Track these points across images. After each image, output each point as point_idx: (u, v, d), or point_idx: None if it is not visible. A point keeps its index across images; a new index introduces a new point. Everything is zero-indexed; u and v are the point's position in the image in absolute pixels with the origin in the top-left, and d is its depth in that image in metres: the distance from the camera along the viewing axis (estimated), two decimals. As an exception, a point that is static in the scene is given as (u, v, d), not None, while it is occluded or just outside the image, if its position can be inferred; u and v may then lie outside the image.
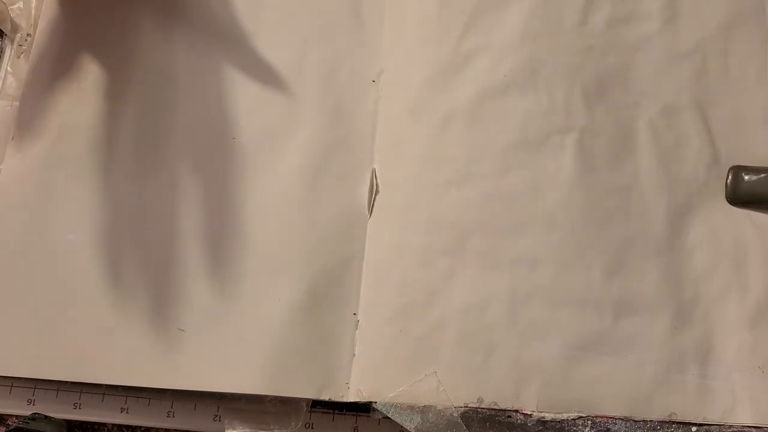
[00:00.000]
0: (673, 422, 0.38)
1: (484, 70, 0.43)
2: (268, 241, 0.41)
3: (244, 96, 0.44)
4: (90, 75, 0.44)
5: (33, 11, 0.45)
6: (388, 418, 0.38)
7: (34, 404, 0.40)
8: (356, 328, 0.40)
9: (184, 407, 0.40)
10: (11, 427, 0.38)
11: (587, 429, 0.38)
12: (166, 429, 0.41)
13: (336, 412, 0.40)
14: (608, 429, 0.38)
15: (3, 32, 0.46)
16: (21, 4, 0.46)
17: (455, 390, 0.38)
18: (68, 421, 0.40)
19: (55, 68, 0.44)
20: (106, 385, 0.40)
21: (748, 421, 0.38)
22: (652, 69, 0.43)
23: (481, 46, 0.43)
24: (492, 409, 0.38)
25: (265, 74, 0.44)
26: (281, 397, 0.39)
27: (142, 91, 0.44)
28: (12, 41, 0.46)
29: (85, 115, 0.43)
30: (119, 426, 0.41)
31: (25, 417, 0.39)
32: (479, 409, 0.38)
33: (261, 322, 0.40)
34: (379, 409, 0.38)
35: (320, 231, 0.41)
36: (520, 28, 0.44)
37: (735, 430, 0.38)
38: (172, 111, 0.43)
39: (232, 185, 0.42)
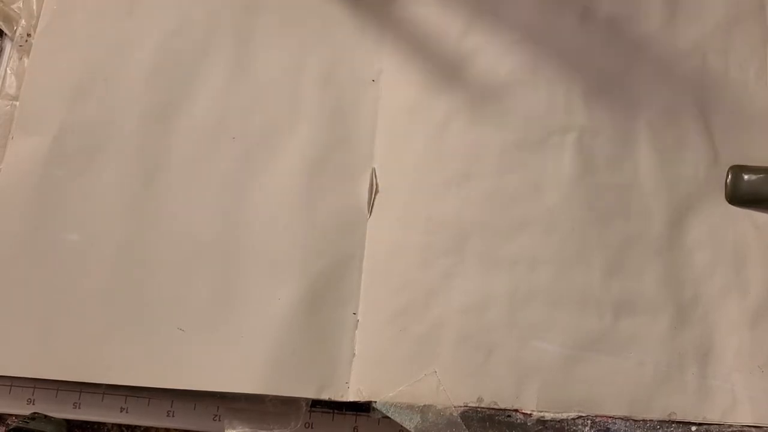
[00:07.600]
0: (673, 422, 0.38)
1: (484, 70, 0.43)
2: (268, 240, 0.41)
3: (244, 96, 0.44)
4: (90, 74, 0.44)
5: (33, 11, 0.45)
6: (388, 417, 0.38)
7: (34, 404, 0.40)
8: (356, 328, 0.40)
9: (184, 407, 0.40)
10: (11, 427, 0.38)
11: (587, 429, 0.38)
12: (166, 429, 0.41)
13: (336, 411, 0.40)
14: (608, 429, 0.38)
15: (3, 32, 0.46)
16: (21, 4, 0.46)
17: (455, 389, 0.38)
18: (68, 421, 0.40)
19: (55, 68, 0.44)
20: (106, 384, 0.40)
21: (748, 421, 0.38)
22: (652, 69, 0.43)
23: (481, 46, 0.44)
24: (492, 408, 0.38)
25: (266, 74, 0.44)
26: (281, 397, 0.39)
27: (141, 91, 0.44)
28: (12, 41, 0.46)
29: (85, 114, 0.43)
30: (119, 426, 0.41)
31: (25, 417, 0.39)
32: (479, 409, 0.38)
33: (261, 322, 0.40)
34: (378, 408, 0.38)
35: (320, 231, 0.41)
36: (520, 28, 0.44)
37: (735, 430, 0.38)
38: (172, 111, 0.43)
39: (232, 185, 0.42)
